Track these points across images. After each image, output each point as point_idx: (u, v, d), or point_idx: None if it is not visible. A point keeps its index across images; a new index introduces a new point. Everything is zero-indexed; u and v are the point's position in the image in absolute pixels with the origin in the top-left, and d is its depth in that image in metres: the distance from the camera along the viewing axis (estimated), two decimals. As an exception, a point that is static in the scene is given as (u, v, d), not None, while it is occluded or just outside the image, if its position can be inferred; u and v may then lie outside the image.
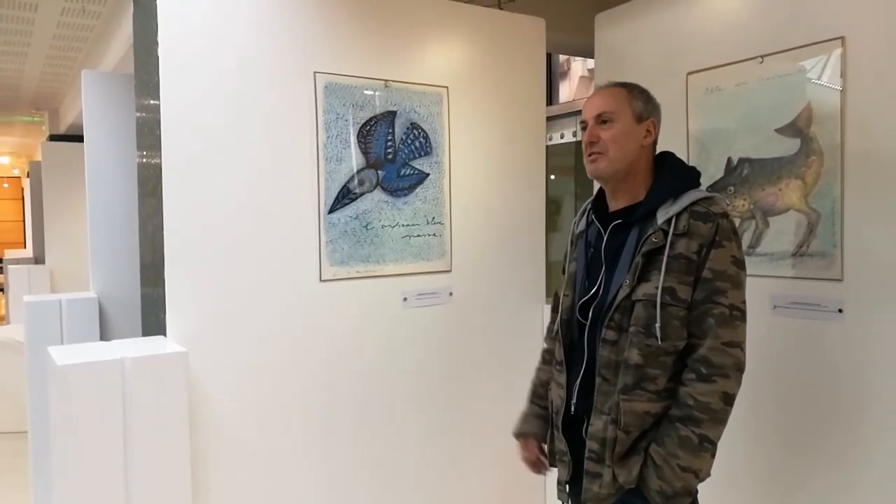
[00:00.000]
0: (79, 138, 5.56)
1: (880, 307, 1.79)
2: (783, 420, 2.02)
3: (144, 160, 2.24)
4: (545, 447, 1.83)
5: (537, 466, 1.85)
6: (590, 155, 1.62)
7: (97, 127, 3.23)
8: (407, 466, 2.43)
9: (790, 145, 1.98)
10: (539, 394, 1.88)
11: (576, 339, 1.66)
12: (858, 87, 1.84)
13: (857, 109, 1.84)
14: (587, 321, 1.61)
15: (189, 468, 1.88)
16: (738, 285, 1.50)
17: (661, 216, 1.53)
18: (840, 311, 1.87)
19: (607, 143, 1.59)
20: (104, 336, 3.16)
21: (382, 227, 2.32)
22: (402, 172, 2.36)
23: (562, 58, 5.54)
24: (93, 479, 1.74)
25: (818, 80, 1.92)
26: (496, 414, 2.63)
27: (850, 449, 1.86)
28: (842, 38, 1.86)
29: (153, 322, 2.18)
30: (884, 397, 1.79)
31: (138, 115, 2.28)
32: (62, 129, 6.30)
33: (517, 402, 2.67)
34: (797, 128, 1.97)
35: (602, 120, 1.61)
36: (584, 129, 1.66)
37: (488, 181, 2.58)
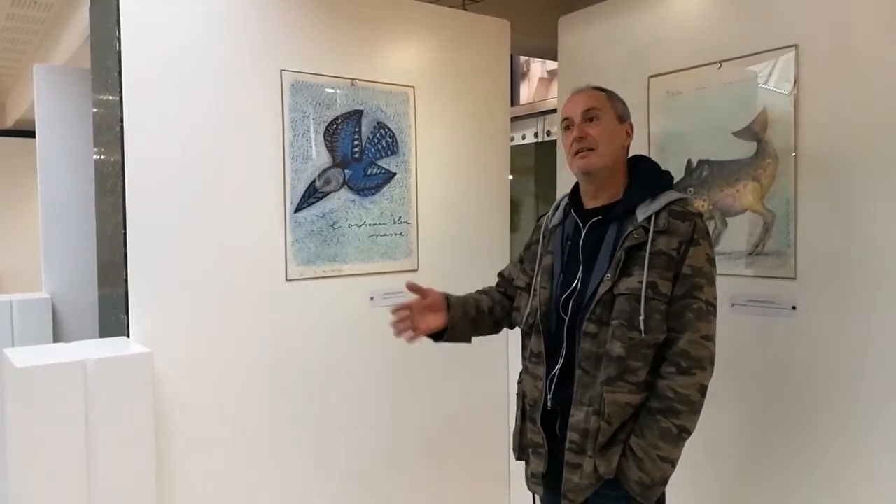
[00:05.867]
0: (27, 133, 5.38)
1: (831, 304, 1.87)
2: (739, 414, 2.08)
3: (102, 157, 2.18)
4: (439, 317, 1.74)
5: (404, 314, 1.72)
6: (578, 151, 1.64)
7: (50, 122, 3.14)
8: (375, 463, 2.43)
9: (747, 148, 2.05)
10: (472, 298, 1.84)
11: (553, 331, 1.67)
12: (810, 93, 1.92)
13: (810, 114, 1.92)
14: (567, 315, 1.64)
15: (154, 472, 1.84)
16: (712, 282, 1.57)
17: (641, 214, 1.58)
18: (794, 308, 1.94)
19: (597, 139, 1.63)
20: (58, 338, 3.07)
21: (349, 226, 2.31)
22: (368, 171, 2.36)
23: (521, 59, 5.60)
24: (53, 484, 1.70)
25: (773, 86, 2.00)
26: (463, 410, 2.65)
27: (803, 441, 1.93)
28: (795, 45, 1.93)
29: (112, 323, 2.13)
30: (835, 392, 1.86)
31: (95, 110, 2.22)
32: (9, 124, 6.07)
33: (485, 397, 2.70)
34: (753, 131, 2.04)
35: (589, 117, 1.64)
36: (566, 127, 1.68)
37: (454, 180, 2.60)
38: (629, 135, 1.69)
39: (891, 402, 1.76)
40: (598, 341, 1.57)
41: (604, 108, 1.66)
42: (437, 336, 1.79)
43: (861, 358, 1.81)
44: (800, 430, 1.94)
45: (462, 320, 1.78)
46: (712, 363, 1.54)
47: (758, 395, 2.04)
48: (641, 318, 1.52)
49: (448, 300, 1.78)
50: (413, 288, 1.74)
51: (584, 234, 1.66)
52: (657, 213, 1.56)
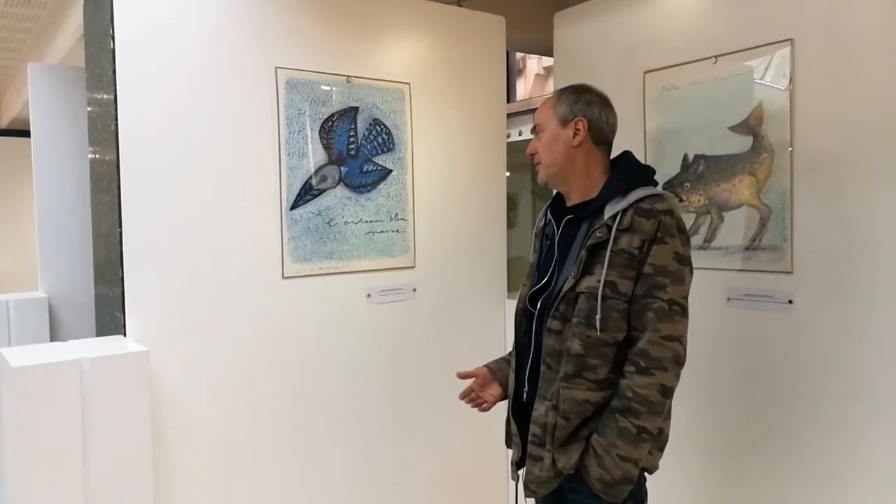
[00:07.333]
0: (21, 133, 5.36)
1: (827, 298, 1.87)
2: (735, 409, 2.09)
3: (97, 156, 2.18)
4: (495, 386, 1.83)
5: (471, 394, 1.84)
6: (535, 166, 1.72)
7: (44, 121, 3.13)
8: (373, 459, 2.43)
9: (743, 143, 2.05)
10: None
11: (527, 328, 1.72)
12: (806, 88, 1.92)
13: (805, 109, 1.92)
14: (536, 311, 1.67)
15: (151, 470, 1.84)
16: (680, 281, 1.53)
17: (608, 212, 1.57)
18: (790, 302, 1.94)
19: (540, 153, 1.69)
20: (55, 337, 3.07)
21: (345, 223, 2.31)
22: (364, 168, 2.35)
23: (517, 56, 5.60)
24: (50, 483, 1.69)
25: (769, 80, 2.00)
26: (461, 407, 2.65)
27: (800, 436, 1.94)
28: (791, 39, 1.94)
29: (109, 322, 2.13)
30: (832, 385, 1.87)
31: (90, 109, 2.21)
32: (4, 124, 6.04)
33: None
34: (749, 126, 2.04)
35: (536, 132, 1.71)
36: None
37: (451, 177, 2.60)
38: (578, 132, 1.64)
39: (888, 395, 1.76)
40: (561, 338, 1.58)
41: (545, 118, 1.68)
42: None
43: (857, 351, 1.82)
44: (796, 424, 1.94)
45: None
46: (678, 364, 1.52)
47: (754, 389, 2.04)
48: (598, 316, 1.52)
49: (490, 370, 1.85)
50: (463, 376, 1.86)
51: (558, 232, 1.68)
52: (624, 211, 1.55)
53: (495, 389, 1.84)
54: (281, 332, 2.21)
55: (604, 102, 1.68)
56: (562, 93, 1.69)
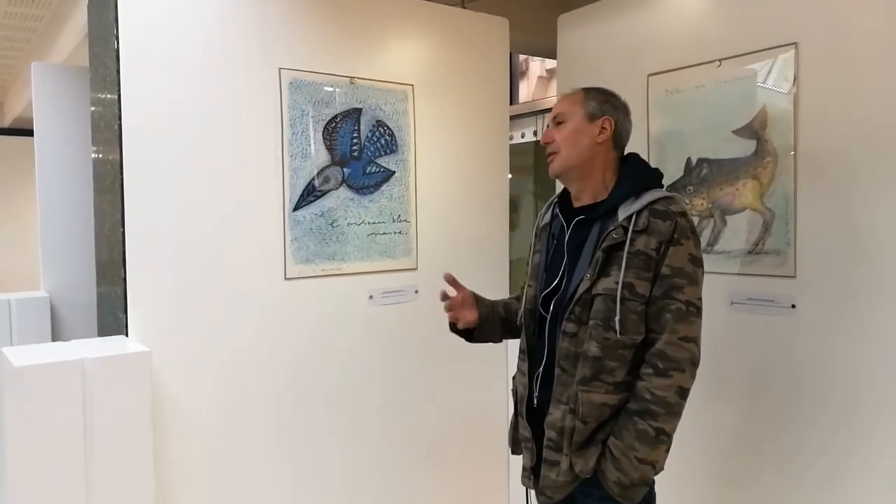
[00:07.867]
0: (25, 132, 5.37)
1: (831, 303, 1.87)
2: (738, 413, 2.08)
3: (101, 156, 2.18)
4: (473, 312, 1.81)
5: (448, 298, 1.81)
6: (548, 156, 1.69)
7: (48, 121, 3.14)
8: (374, 462, 2.43)
9: (746, 146, 2.05)
10: (502, 301, 1.91)
11: (537, 330, 1.70)
12: (810, 91, 1.91)
13: (809, 113, 1.92)
14: (548, 314, 1.66)
15: (152, 471, 1.84)
16: (695, 282, 1.54)
17: (622, 213, 1.57)
18: (793, 306, 1.94)
19: (559, 143, 1.66)
20: (56, 336, 3.07)
21: (348, 224, 2.31)
22: (367, 170, 2.35)
23: (520, 58, 5.60)
24: (52, 483, 1.69)
25: (772, 84, 1.99)
26: (462, 409, 2.65)
27: (802, 440, 1.93)
28: (795, 43, 1.93)
29: (110, 321, 2.13)
30: (834, 390, 1.86)
31: (93, 109, 2.22)
32: (7, 123, 6.06)
33: (482, 396, 2.70)
34: (753, 130, 2.04)
35: (557, 122, 1.68)
36: None
37: (454, 179, 2.59)
38: (606, 130, 1.65)
39: (890, 400, 1.76)
40: (576, 340, 1.57)
41: (571, 110, 1.67)
42: (469, 334, 1.84)
43: (860, 356, 1.81)
44: (799, 428, 1.94)
45: (491, 317, 1.84)
46: (693, 365, 1.52)
47: (757, 393, 2.03)
48: (617, 318, 1.51)
49: (477, 297, 1.84)
50: (451, 280, 1.82)
51: (568, 233, 1.67)
52: (638, 213, 1.55)
53: (471, 315, 1.81)
54: (283, 334, 2.21)
55: (627, 110, 1.71)
56: (589, 91, 1.69)
